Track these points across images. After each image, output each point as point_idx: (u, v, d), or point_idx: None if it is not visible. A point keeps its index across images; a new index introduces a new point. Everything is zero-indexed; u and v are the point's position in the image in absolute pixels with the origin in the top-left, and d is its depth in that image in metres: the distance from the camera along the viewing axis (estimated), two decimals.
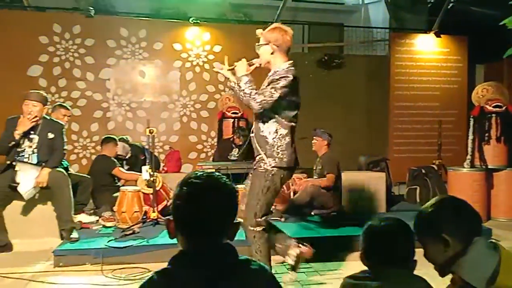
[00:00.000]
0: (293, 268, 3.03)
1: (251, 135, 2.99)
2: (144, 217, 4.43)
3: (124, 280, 3.32)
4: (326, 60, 7.66)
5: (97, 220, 4.48)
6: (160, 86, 6.76)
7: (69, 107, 4.97)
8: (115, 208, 4.41)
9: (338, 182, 4.88)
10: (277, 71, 2.88)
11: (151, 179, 4.47)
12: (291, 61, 2.91)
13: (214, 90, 6.91)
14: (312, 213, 4.78)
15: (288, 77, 2.79)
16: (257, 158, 2.90)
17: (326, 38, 9.01)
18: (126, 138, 5.79)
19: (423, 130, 7.42)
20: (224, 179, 1.23)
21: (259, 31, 3.00)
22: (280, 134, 2.86)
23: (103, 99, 6.46)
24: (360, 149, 6.77)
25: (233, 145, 5.85)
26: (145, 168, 4.55)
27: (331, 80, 7.54)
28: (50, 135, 4.09)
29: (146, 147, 6.11)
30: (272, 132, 2.86)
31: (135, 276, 3.38)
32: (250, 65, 2.96)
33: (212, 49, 6.89)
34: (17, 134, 3.92)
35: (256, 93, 2.77)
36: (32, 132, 4.04)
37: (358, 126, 7.54)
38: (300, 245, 3.03)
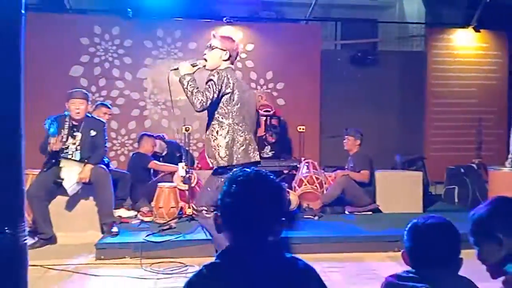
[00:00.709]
0: None
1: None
2: (180, 212, 4.56)
3: (162, 274, 3.42)
4: (359, 57, 7.56)
5: (136, 215, 4.64)
6: None
7: (110, 106, 5.16)
8: (152, 204, 4.56)
9: (372, 180, 4.84)
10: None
11: (187, 175, 4.59)
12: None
13: None
14: (346, 212, 4.78)
15: (218, 73, 2.91)
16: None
17: (359, 34, 8.88)
18: (163, 135, 5.95)
19: (461, 128, 7.21)
20: (272, 176, 1.25)
21: (213, 33, 3.14)
22: (219, 134, 2.94)
23: (140, 98, 6.65)
24: (395, 147, 6.67)
25: (265, 143, 5.90)
26: (181, 165, 4.68)
27: (365, 77, 7.45)
28: (93, 133, 4.27)
29: (181, 144, 6.27)
30: (214, 131, 2.96)
31: (172, 270, 3.48)
32: (193, 66, 3.11)
33: (244, 47, 6.95)
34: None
35: (198, 91, 2.89)
36: (75, 130, 4.23)
37: (392, 124, 7.41)
38: None
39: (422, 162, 5.88)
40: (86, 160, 4.18)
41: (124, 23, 6.46)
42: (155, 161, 5.18)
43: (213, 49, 3.05)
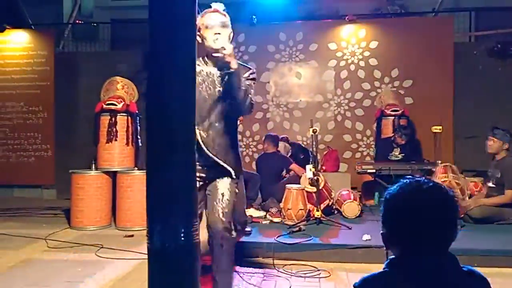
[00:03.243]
0: None
1: None
2: (308, 215, 4.55)
3: (296, 276, 3.43)
4: (499, 49, 6.78)
5: (265, 215, 4.76)
6: (315, 86, 6.87)
7: None
8: (281, 205, 4.63)
9: None
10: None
11: (315, 177, 4.56)
12: None
13: (369, 88, 6.74)
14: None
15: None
16: None
17: (497, 24, 7.98)
18: (287, 137, 6.03)
19: None
20: (444, 187, 1.19)
21: (222, 6, 2.43)
22: None
23: (263, 101, 6.85)
24: None
25: (394, 145, 5.61)
26: (309, 167, 4.66)
27: (507, 71, 6.66)
28: None
29: (304, 146, 6.29)
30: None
31: (305, 273, 3.48)
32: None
33: (368, 45, 6.73)
34: None
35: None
36: None
37: None
38: None
39: None
40: None
41: (249, 29, 6.71)
42: (295, 164, 5.27)
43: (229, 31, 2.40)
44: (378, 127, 6.10)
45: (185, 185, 1.67)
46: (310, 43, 6.80)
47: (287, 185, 4.68)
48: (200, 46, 2.24)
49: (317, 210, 4.47)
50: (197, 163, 2.18)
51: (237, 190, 2.56)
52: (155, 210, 1.70)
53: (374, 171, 4.87)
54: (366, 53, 6.72)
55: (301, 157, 5.66)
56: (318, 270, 3.52)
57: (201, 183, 2.45)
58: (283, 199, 4.60)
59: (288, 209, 4.51)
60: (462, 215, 4.38)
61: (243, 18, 6.77)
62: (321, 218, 4.45)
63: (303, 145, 6.26)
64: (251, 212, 4.69)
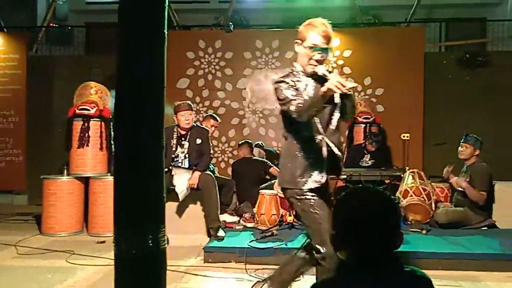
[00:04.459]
0: None
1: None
2: (281, 220, 4.61)
3: None
4: (468, 59, 7.04)
5: (239, 220, 4.79)
6: None
7: (218, 118, 5.38)
8: (255, 210, 4.68)
9: (488, 198, 4.46)
10: None
11: None
12: None
13: None
14: None
15: None
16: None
17: (466, 35, 8.29)
18: (262, 143, 6.10)
19: None
20: (387, 194, 1.28)
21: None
22: None
23: (239, 107, 6.91)
24: None
25: (365, 151, 5.74)
26: None
27: (475, 80, 6.91)
28: (198, 141, 4.52)
29: (278, 152, 6.36)
30: None
31: None
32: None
33: (342, 54, 6.87)
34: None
35: None
36: (183, 139, 4.52)
37: (509, 130, 6.76)
38: None
39: None
40: (194, 167, 4.44)
41: (226, 36, 6.77)
42: (274, 167, 5.31)
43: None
44: (350, 134, 6.23)
45: (153, 191, 1.70)
46: (286, 50, 6.89)
47: (260, 191, 4.73)
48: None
49: (290, 215, 4.54)
50: (330, 168, 2.36)
51: None
52: (122, 216, 1.72)
53: (345, 176, 4.97)
54: (340, 62, 6.86)
55: (276, 163, 5.72)
56: None
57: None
58: (256, 205, 4.66)
59: (261, 214, 4.56)
60: (429, 220, 4.53)
61: (220, 24, 6.84)
62: (294, 223, 4.52)
63: (278, 152, 6.33)
64: (225, 217, 4.72)
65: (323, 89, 2.13)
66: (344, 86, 2.07)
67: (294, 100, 2.23)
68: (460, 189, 4.57)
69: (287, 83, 2.33)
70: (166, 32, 1.65)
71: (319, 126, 2.35)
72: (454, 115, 6.58)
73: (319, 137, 2.36)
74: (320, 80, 2.33)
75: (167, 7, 1.70)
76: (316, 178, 2.34)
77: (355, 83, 2.45)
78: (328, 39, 2.37)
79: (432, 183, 4.98)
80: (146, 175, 1.64)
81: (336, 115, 2.40)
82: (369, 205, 1.25)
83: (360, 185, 1.34)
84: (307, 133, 2.33)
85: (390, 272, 1.21)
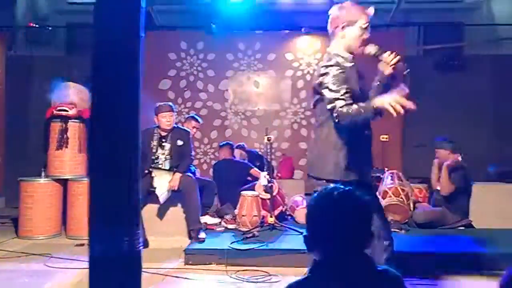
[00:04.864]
0: None
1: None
2: (262, 221, 4.63)
3: (247, 282, 3.49)
4: (444, 63, 7.19)
5: (220, 222, 4.80)
6: (272, 95, 7.01)
7: (199, 120, 5.37)
8: (236, 211, 4.69)
9: (464, 198, 4.57)
10: None
11: (269, 184, 4.66)
12: None
13: None
14: None
15: None
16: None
17: (443, 39, 8.44)
18: (243, 145, 6.11)
19: None
20: (356, 192, 1.30)
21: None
22: None
23: (221, 109, 6.92)
24: (488, 158, 6.22)
25: None
26: (263, 174, 4.77)
27: (452, 83, 7.06)
28: (179, 142, 4.51)
29: (261, 153, 6.39)
30: None
31: (257, 278, 3.54)
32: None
33: (322, 57, 6.92)
34: None
35: None
36: (164, 140, 4.50)
37: (484, 133, 6.92)
38: None
39: None
40: (175, 169, 4.42)
41: (208, 37, 6.78)
42: (255, 169, 5.32)
43: None
44: None
45: (128, 192, 1.70)
46: (268, 53, 6.94)
47: (242, 192, 4.75)
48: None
49: (271, 216, 4.56)
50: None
51: None
52: (96, 218, 1.71)
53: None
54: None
55: (257, 164, 5.74)
56: (270, 275, 3.60)
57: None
58: (238, 206, 4.67)
59: (243, 215, 4.57)
60: (407, 220, 4.62)
61: (202, 25, 6.83)
62: (275, 224, 4.54)
63: (259, 153, 6.36)
64: (206, 219, 4.72)
65: (377, 103, 2.05)
66: (404, 108, 1.98)
67: (343, 100, 2.12)
68: (438, 188, 4.68)
69: (340, 68, 2.22)
70: (142, 34, 1.65)
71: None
72: (432, 118, 6.71)
73: (367, 132, 2.34)
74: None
75: (143, 8, 1.70)
76: (363, 171, 2.30)
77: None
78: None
79: (411, 184, 5.07)
80: (121, 176, 1.64)
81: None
82: (339, 205, 1.26)
83: (331, 185, 1.36)
84: (356, 130, 2.24)
85: (362, 272, 1.23)
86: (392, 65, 2.27)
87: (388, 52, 2.22)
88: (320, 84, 2.26)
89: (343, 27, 2.35)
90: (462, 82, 7.05)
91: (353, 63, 2.37)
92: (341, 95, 2.15)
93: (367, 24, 2.34)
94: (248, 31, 7.02)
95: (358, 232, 1.26)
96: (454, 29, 9.30)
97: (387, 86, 2.34)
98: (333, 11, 2.40)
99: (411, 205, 4.66)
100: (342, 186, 1.33)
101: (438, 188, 4.68)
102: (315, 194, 1.34)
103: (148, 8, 6.85)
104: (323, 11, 8.70)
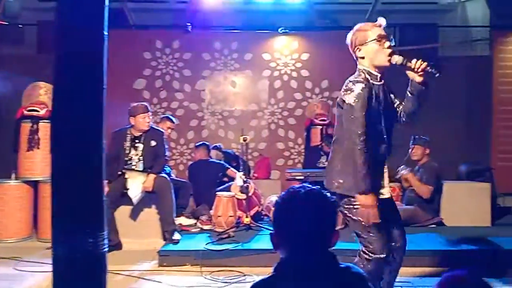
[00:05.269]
0: None
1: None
2: (238, 222, 4.62)
3: (222, 282, 3.48)
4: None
5: (195, 223, 4.76)
6: (249, 95, 7.00)
7: (174, 120, 5.31)
8: (211, 212, 4.66)
9: (436, 197, 4.65)
10: None
11: (245, 185, 4.65)
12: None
13: (301, 98, 6.97)
14: None
15: None
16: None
17: (419, 40, 8.59)
18: (219, 145, 6.08)
19: None
20: (323, 191, 1.32)
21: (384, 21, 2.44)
22: None
23: (198, 109, 6.86)
24: (460, 157, 6.35)
25: (322, 153, 5.85)
26: (239, 175, 4.75)
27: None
28: (153, 143, 4.45)
29: (238, 154, 6.37)
30: None
31: (232, 279, 3.54)
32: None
33: (300, 57, 6.97)
34: None
35: None
36: (137, 141, 4.44)
37: (456, 132, 7.06)
38: None
39: (490, 172, 5.55)
40: (149, 170, 4.37)
41: (184, 36, 6.71)
42: (232, 169, 5.29)
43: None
44: (308, 136, 6.30)
45: (93, 194, 1.66)
46: (245, 52, 6.92)
47: (217, 193, 4.72)
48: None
49: (247, 217, 4.56)
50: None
51: None
52: (60, 220, 1.67)
53: (302, 177, 5.04)
54: (298, 64, 6.95)
55: (234, 164, 5.72)
56: (245, 275, 3.60)
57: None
58: (213, 207, 4.64)
59: (218, 216, 4.55)
60: None
61: (178, 24, 6.77)
62: (251, 224, 4.54)
63: (236, 153, 6.34)
64: (181, 220, 4.68)
65: (361, 199, 2.17)
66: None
67: (360, 139, 2.18)
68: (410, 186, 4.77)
69: (365, 86, 2.25)
70: (106, 33, 1.61)
71: (384, 136, 2.35)
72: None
73: (383, 146, 2.36)
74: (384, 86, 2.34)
75: (108, 6, 1.66)
76: (379, 189, 2.34)
77: None
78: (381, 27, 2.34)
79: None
80: (84, 176, 1.60)
81: (389, 123, 2.41)
82: (305, 203, 1.27)
83: (299, 185, 1.36)
84: (372, 140, 2.26)
85: (326, 270, 1.24)
86: (420, 71, 2.24)
87: (415, 60, 2.22)
88: (343, 100, 2.31)
89: (359, 49, 2.38)
90: (436, 83, 7.16)
91: (381, 83, 2.40)
92: (360, 141, 2.19)
93: (382, 34, 2.34)
94: (225, 31, 7.00)
95: (323, 231, 1.27)
96: (429, 30, 9.50)
97: (422, 94, 2.39)
98: (347, 39, 2.44)
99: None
100: (309, 185, 1.33)
101: (406, 184, 4.78)
102: (283, 193, 1.34)
103: (122, 6, 6.75)
104: (300, 11, 8.82)
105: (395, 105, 2.49)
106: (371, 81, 2.35)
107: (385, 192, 2.40)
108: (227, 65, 6.93)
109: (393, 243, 2.44)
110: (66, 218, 1.68)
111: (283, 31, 6.91)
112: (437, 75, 2.27)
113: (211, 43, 6.88)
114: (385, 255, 2.32)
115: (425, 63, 2.20)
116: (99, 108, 1.65)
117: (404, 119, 2.47)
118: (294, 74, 6.95)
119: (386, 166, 2.42)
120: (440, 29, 9.15)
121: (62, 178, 1.70)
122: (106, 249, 1.65)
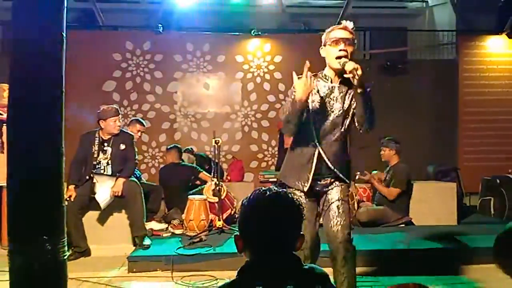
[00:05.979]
0: None
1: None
2: (210, 225, 4.58)
3: (194, 287, 3.43)
4: (389, 66, 7.46)
5: (167, 228, 4.68)
6: (223, 97, 6.97)
7: (144, 123, 5.21)
8: (183, 216, 4.60)
9: (405, 197, 4.75)
10: None
11: (217, 188, 4.62)
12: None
13: (275, 100, 6.99)
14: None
15: None
16: None
17: (388, 43, 8.78)
18: (191, 148, 6.02)
19: (496, 137, 6.99)
20: (288, 194, 1.32)
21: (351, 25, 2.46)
22: None
23: (170, 111, 6.78)
24: (427, 158, 6.51)
25: None
26: (211, 178, 4.71)
27: (395, 86, 7.33)
28: (122, 146, 4.35)
29: (210, 156, 6.32)
30: None
31: (203, 283, 3.48)
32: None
33: (272, 59, 7.00)
34: None
35: None
36: (106, 145, 4.33)
37: (424, 133, 7.25)
38: None
39: (456, 172, 5.71)
40: (118, 174, 4.27)
41: (155, 38, 6.63)
42: (204, 172, 5.23)
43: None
44: (281, 138, 6.32)
45: (51, 200, 1.60)
46: (217, 54, 6.89)
47: (189, 196, 4.66)
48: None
49: (219, 220, 4.52)
50: (317, 175, 2.42)
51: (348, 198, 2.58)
52: (16, 228, 1.60)
53: (275, 180, 5.05)
54: (271, 67, 6.97)
55: (206, 167, 5.68)
56: (217, 279, 3.56)
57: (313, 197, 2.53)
58: (185, 210, 4.58)
59: (190, 220, 4.49)
60: (351, 220, 4.71)
61: (149, 25, 6.68)
62: (223, 228, 4.50)
63: (209, 156, 6.30)
64: (153, 225, 4.59)
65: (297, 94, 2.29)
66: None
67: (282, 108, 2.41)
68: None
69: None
70: (64, 34, 1.56)
71: (314, 135, 2.43)
72: (378, 119, 6.93)
73: (311, 145, 2.44)
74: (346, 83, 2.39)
75: (66, 7, 1.61)
76: (300, 182, 2.46)
77: None
78: (349, 31, 2.39)
79: (356, 184, 5.20)
80: (42, 183, 1.54)
81: (342, 123, 2.45)
82: (270, 206, 1.27)
83: (265, 187, 1.35)
84: (302, 139, 2.46)
85: (289, 271, 1.24)
86: (350, 75, 2.28)
87: (351, 64, 2.27)
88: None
89: (322, 49, 2.48)
90: (405, 86, 7.34)
91: (334, 85, 2.47)
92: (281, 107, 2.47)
93: (337, 37, 2.38)
94: (196, 32, 6.95)
95: (287, 233, 1.27)
96: (398, 34, 9.72)
97: (359, 99, 2.39)
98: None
99: (356, 205, 4.78)
100: (275, 188, 1.33)
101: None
102: (249, 195, 1.33)
103: (92, 7, 6.61)
104: (271, 13, 8.85)
105: (350, 112, 2.50)
106: (321, 80, 2.48)
107: (306, 186, 2.47)
108: (199, 67, 6.88)
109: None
110: (22, 225, 1.61)
111: (255, 33, 6.92)
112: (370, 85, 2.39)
113: (183, 45, 6.82)
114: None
115: (360, 70, 2.24)
116: (57, 112, 1.59)
117: (356, 125, 2.49)
118: (267, 76, 6.97)
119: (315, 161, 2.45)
120: (409, 33, 9.37)
121: (17, 183, 1.63)
122: (66, 256, 1.59)
